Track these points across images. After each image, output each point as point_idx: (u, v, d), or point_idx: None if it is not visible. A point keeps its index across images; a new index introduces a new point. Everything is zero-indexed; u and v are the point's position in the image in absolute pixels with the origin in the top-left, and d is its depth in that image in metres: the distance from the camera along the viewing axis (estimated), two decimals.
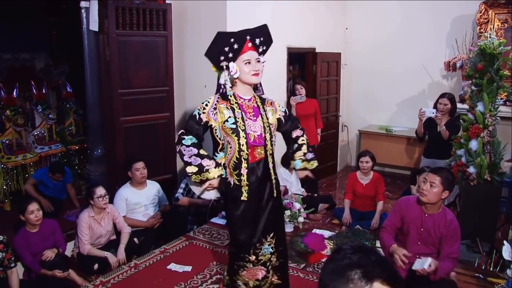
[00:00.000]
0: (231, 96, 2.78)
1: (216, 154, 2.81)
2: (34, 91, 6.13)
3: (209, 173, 2.67)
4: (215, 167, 2.70)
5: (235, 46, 2.73)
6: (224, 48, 2.73)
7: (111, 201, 4.44)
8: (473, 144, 4.07)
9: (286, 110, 3.10)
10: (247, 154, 2.76)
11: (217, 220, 4.83)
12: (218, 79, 2.82)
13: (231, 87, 2.81)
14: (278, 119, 2.97)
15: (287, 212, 4.60)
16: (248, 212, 2.84)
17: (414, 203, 3.24)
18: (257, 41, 2.82)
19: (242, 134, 2.74)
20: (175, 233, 4.56)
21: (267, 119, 2.85)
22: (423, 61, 6.64)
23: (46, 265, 3.73)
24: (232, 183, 2.79)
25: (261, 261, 2.92)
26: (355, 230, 4.66)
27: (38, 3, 6.58)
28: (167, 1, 4.94)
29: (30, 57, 7.63)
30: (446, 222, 3.10)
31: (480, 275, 3.68)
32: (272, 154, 2.88)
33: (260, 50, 2.85)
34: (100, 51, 4.67)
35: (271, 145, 2.88)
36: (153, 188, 4.68)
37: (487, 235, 4.08)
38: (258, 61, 2.78)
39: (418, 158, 6.22)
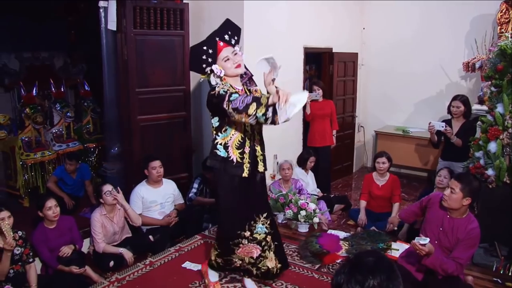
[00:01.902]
0: (229, 87, 2.99)
1: (219, 134, 3.04)
2: (53, 89, 6.23)
3: (267, 95, 2.82)
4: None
5: (210, 51, 3.01)
6: (202, 57, 3.01)
7: (127, 198, 4.48)
8: (492, 146, 4.00)
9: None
10: (250, 134, 3.06)
11: None
12: (209, 82, 3.08)
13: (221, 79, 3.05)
14: None
15: (302, 212, 4.58)
16: (244, 187, 3.08)
17: (440, 202, 3.26)
18: (226, 37, 3.07)
19: None
20: (190, 232, 4.58)
21: None
22: (441, 62, 6.57)
23: (63, 261, 3.79)
24: (235, 161, 3.02)
25: (256, 240, 3.15)
26: (370, 231, 4.62)
27: (58, 2, 6.67)
28: (184, 1, 4.96)
29: (49, 56, 7.74)
30: (467, 229, 3.07)
31: (498, 280, 3.63)
32: (259, 133, 3.17)
33: (233, 42, 3.11)
34: (118, 50, 4.71)
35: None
36: (169, 187, 4.71)
37: (505, 239, 4.00)
38: (235, 54, 3.03)
39: (435, 160, 6.14)
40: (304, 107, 5.84)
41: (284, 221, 4.88)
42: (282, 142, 5.84)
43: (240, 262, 3.22)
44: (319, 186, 5.75)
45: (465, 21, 6.36)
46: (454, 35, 6.45)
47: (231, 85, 3.01)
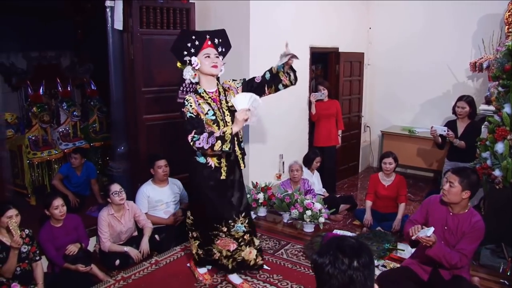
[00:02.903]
0: (203, 92, 3.22)
1: None
2: (60, 88, 6.25)
3: (227, 130, 3.00)
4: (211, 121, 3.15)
5: (196, 42, 3.21)
6: (187, 44, 3.20)
7: (133, 198, 4.50)
8: (499, 147, 3.97)
9: (242, 80, 3.40)
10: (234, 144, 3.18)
11: None
12: (182, 72, 3.25)
13: (198, 83, 3.25)
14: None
15: (308, 212, 4.58)
16: (223, 189, 3.28)
17: (442, 201, 3.23)
18: (216, 41, 3.29)
19: (221, 123, 3.20)
20: None
21: (226, 102, 3.28)
22: (447, 61, 6.53)
23: (69, 259, 3.81)
24: (213, 166, 3.21)
25: (233, 236, 3.34)
26: (376, 232, 4.61)
27: (65, 2, 6.70)
28: (190, 1, 4.96)
29: (56, 55, 7.76)
30: (471, 223, 3.05)
31: (505, 281, 3.62)
32: (235, 134, 3.20)
33: (219, 50, 3.30)
34: (124, 50, 4.72)
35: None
36: (175, 186, 4.72)
37: None
38: (217, 57, 3.23)
39: (441, 160, 6.11)
40: (310, 107, 5.85)
41: (290, 221, 4.88)
42: (288, 142, 5.85)
43: (219, 254, 3.39)
44: (324, 186, 5.75)
45: (472, 20, 6.32)
46: (461, 34, 6.42)
47: (201, 94, 3.20)
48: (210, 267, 3.69)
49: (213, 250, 3.41)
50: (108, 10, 4.63)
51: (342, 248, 1.45)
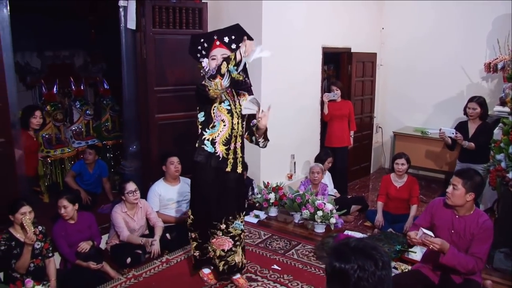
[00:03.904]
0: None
1: (207, 130, 3.22)
2: (73, 87, 6.32)
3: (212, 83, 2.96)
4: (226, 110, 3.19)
5: (205, 44, 3.27)
6: (197, 47, 3.30)
7: (144, 196, 4.52)
8: None
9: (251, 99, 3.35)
10: (236, 134, 3.25)
11: (248, 218, 4.83)
12: (201, 71, 3.30)
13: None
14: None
15: (319, 213, 4.57)
16: (223, 182, 3.27)
17: (446, 204, 3.17)
18: (226, 39, 3.27)
19: (235, 115, 3.23)
20: None
21: (240, 106, 3.29)
22: (461, 62, 6.47)
23: (81, 256, 3.84)
24: (221, 156, 3.22)
25: (231, 233, 3.33)
26: (387, 233, 4.58)
27: (80, 2, 6.76)
28: (203, 0, 4.98)
29: (69, 55, 7.84)
30: (479, 223, 2.98)
31: None
32: (241, 136, 3.32)
33: (233, 47, 3.27)
34: (137, 49, 4.75)
35: (241, 127, 3.31)
36: (186, 185, 4.72)
37: None
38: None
39: (454, 162, 6.05)
40: (322, 107, 5.83)
41: (301, 221, 4.87)
42: (300, 142, 5.84)
43: (213, 253, 3.41)
44: (336, 186, 5.73)
45: (487, 20, 6.25)
46: (476, 34, 6.35)
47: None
48: (212, 267, 3.65)
49: (208, 248, 3.43)
50: (121, 9, 4.66)
51: (365, 251, 1.43)
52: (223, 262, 3.40)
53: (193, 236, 3.48)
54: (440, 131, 4.83)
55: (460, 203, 3.02)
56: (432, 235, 2.90)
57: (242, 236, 3.43)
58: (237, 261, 3.43)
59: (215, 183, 3.27)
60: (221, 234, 3.33)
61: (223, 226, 3.31)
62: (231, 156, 3.26)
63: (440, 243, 2.86)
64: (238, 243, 3.40)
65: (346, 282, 1.41)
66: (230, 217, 3.32)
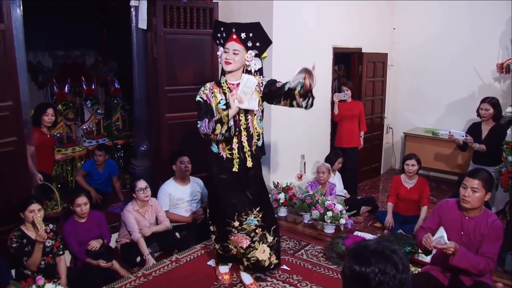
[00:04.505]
0: (223, 82, 3.22)
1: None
2: (84, 86, 6.37)
3: (224, 113, 2.98)
4: (223, 110, 3.08)
5: (224, 34, 3.20)
6: (217, 34, 3.24)
7: (154, 195, 4.54)
8: None
9: (269, 80, 3.29)
10: (239, 126, 3.17)
11: None
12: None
13: (223, 75, 3.25)
14: (264, 94, 3.22)
15: (329, 213, 4.55)
16: (236, 181, 3.23)
17: (454, 205, 3.11)
18: (243, 35, 3.15)
19: None
20: None
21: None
22: (473, 63, 6.41)
23: (91, 254, 3.87)
24: (225, 157, 3.20)
25: (245, 230, 3.26)
26: (397, 234, 4.55)
27: (91, 2, 6.80)
28: (214, 0, 4.99)
29: (81, 54, 7.89)
30: (489, 223, 2.94)
31: None
32: (246, 129, 3.21)
33: (249, 45, 3.17)
34: (148, 49, 4.77)
35: (245, 119, 3.20)
36: (196, 185, 4.75)
37: None
38: (236, 53, 3.12)
39: (465, 163, 6.01)
40: (333, 107, 5.81)
41: (310, 222, 4.86)
42: (310, 142, 5.83)
43: (235, 250, 3.38)
44: (346, 187, 5.71)
45: (499, 21, 6.18)
46: (488, 35, 6.29)
47: (221, 83, 3.22)
48: (231, 265, 3.68)
49: (229, 245, 3.41)
50: (132, 9, 4.68)
51: (385, 254, 1.41)
52: (245, 259, 3.37)
53: (211, 229, 3.51)
54: (449, 134, 4.80)
55: (479, 205, 2.97)
56: (443, 234, 2.85)
57: (258, 231, 3.30)
58: (259, 258, 3.33)
59: (225, 181, 3.25)
60: (236, 232, 3.28)
61: (236, 224, 3.26)
62: (235, 155, 3.19)
63: (453, 245, 2.82)
64: (256, 238, 3.30)
65: (366, 286, 1.38)
66: (242, 214, 3.26)
